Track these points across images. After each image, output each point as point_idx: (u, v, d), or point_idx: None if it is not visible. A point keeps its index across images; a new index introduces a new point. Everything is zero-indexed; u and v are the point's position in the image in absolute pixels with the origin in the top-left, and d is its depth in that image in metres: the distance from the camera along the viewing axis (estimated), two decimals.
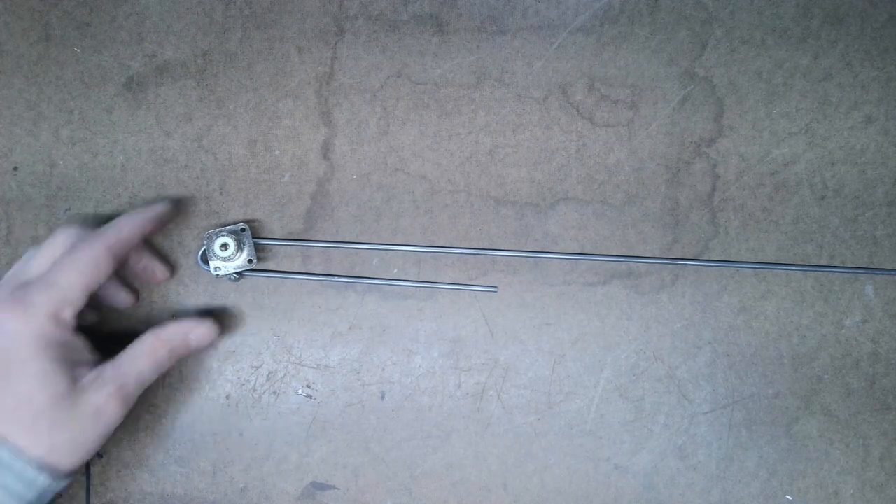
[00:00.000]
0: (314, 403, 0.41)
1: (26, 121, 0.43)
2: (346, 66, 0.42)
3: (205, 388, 0.42)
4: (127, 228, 0.36)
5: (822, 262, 0.40)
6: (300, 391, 0.41)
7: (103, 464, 0.42)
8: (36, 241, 0.43)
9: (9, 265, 0.43)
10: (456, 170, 0.41)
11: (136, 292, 0.41)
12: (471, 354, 0.41)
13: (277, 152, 0.42)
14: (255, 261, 0.40)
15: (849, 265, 0.40)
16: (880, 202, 0.40)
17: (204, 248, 0.39)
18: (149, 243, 0.41)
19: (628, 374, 0.40)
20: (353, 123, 0.42)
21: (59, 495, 0.42)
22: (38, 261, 0.35)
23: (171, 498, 0.41)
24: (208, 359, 0.42)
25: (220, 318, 0.41)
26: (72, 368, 0.33)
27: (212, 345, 0.39)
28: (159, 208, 0.39)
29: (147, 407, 0.42)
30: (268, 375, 0.42)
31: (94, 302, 0.37)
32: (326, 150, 0.42)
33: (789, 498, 0.39)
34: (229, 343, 0.42)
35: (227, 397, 0.42)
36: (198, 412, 0.42)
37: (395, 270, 0.41)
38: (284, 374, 0.42)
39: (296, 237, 0.42)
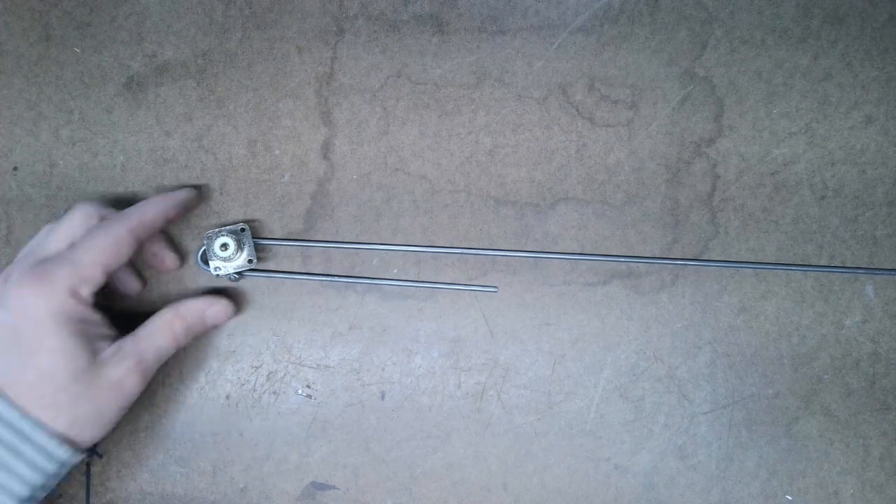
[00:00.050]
0: (314, 403, 0.41)
1: (26, 121, 0.43)
2: (346, 66, 0.42)
3: (205, 388, 0.42)
4: (151, 212, 0.37)
5: (822, 262, 0.40)
6: (300, 391, 0.41)
7: (103, 464, 0.42)
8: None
9: (9, 265, 0.43)
10: (456, 170, 0.41)
11: (143, 279, 0.41)
12: (471, 354, 0.41)
13: (277, 152, 0.42)
14: (255, 261, 0.40)
15: (849, 265, 0.40)
16: (880, 202, 0.40)
17: (204, 248, 0.39)
18: (163, 231, 0.41)
19: (628, 374, 0.40)
20: (353, 123, 0.42)
21: (58, 495, 0.42)
22: (56, 237, 0.35)
23: (171, 498, 0.41)
24: (208, 359, 0.42)
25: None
26: (92, 343, 0.34)
27: (227, 321, 0.40)
28: (183, 195, 0.39)
29: (147, 407, 0.42)
30: (268, 375, 0.42)
31: (106, 286, 0.37)
32: (326, 150, 0.42)
33: (789, 498, 0.39)
34: (229, 343, 0.42)
35: (227, 397, 0.42)
36: (198, 412, 0.42)
37: (395, 270, 0.41)
38: (284, 374, 0.42)
39: (296, 237, 0.42)
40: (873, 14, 0.40)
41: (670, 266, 0.40)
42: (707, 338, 0.40)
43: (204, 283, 0.42)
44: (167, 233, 0.42)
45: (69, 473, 0.41)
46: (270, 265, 0.42)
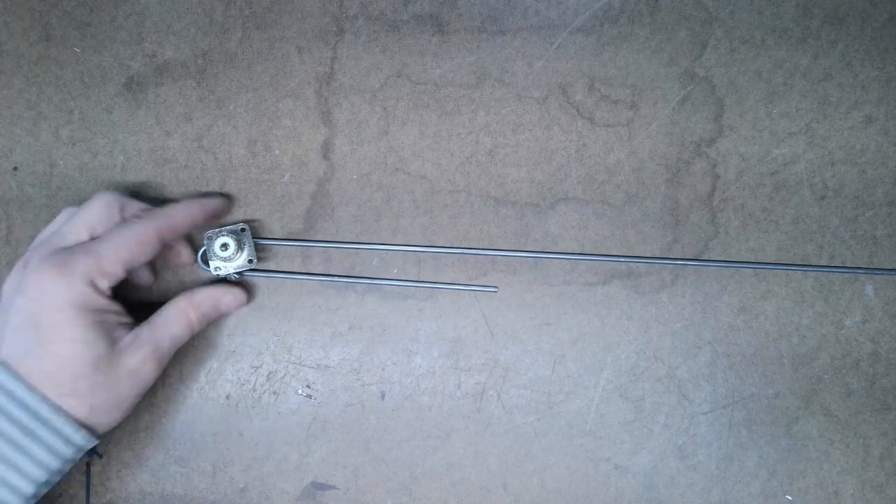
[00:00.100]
0: (314, 403, 0.41)
1: (26, 121, 0.43)
2: (346, 66, 0.42)
3: (205, 388, 0.42)
4: (180, 217, 0.37)
5: (822, 262, 0.40)
6: (300, 391, 0.41)
7: (103, 464, 0.42)
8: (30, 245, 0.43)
9: (9, 265, 0.43)
10: (456, 170, 0.41)
11: (155, 272, 0.41)
12: (471, 354, 0.41)
13: (277, 152, 0.42)
14: (255, 261, 0.40)
15: (849, 265, 0.40)
16: (880, 202, 0.40)
17: (204, 248, 0.39)
18: None
19: (628, 374, 0.40)
20: (353, 123, 0.42)
21: (58, 495, 0.42)
22: (75, 226, 0.35)
23: (171, 498, 0.41)
24: (208, 359, 0.42)
25: (220, 319, 0.41)
26: (110, 332, 0.34)
27: (239, 308, 0.41)
28: (214, 204, 0.39)
29: (147, 407, 0.42)
30: (268, 375, 0.42)
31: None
32: (326, 150, 0.42)
33: (789, 498, 0.39)
34: (229, 343, 0.42)
35: (227, 397, 0.42)
36: (198, 412, 0.42)
37: (395, 270, 0.41)
38: (284, 374, 0.42)
39: (296, 237, 0.42)
40: (873, 14, 0.40)
41: (670, 266, 0.40)
42: (707, 338, 0.40)
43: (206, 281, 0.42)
44: None
45: (69, 473, 0.41)
46: (270, 265, 0.42)
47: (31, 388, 0.32)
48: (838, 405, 0.39)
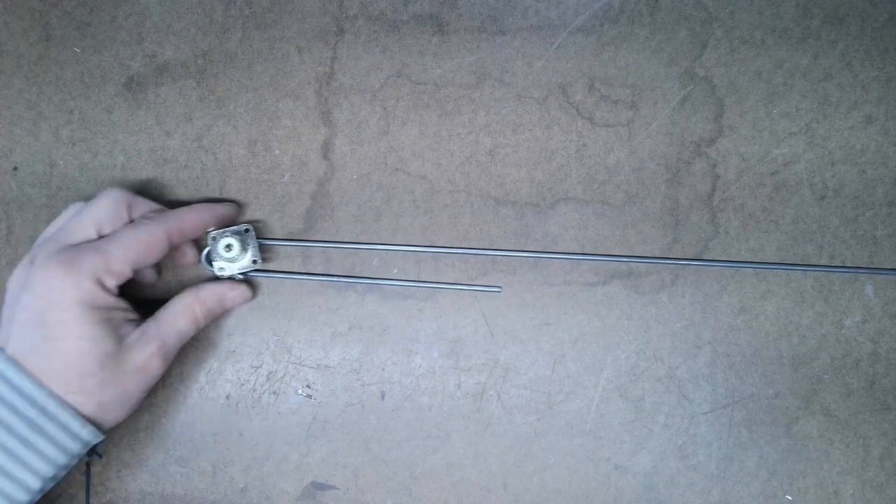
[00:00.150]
0: (314, 403, 0.41)
1: (26, 121, 0.43)
2: (346, 66, 0.42)
3: (205, 388, 0.42)
4: (191, 221, 0.37)
5: (822, 262, 0.40)
6: (300, 391, 0.41)
7: (103, 464, 0.42)
8: (35, 241, 0.43)
9: (9, 265, 0.43)
10: (456, 170, 0.41)
11: (159, 271, 0.41)
12: (471, 354, 0.41)
13: (277, 152, 0.42)
14: (259, 261, 0.40)
15: (849, 265, 0.40)
16: (880, 202, 0.40)
17: (208, 248, 0.39)
18: None
19: (628, 374, 0.40)
20: (353, 123, 0.42)
21: (58, 495, 0.42)
22: (83, 222, 0.35)
23: (171, 498, 0.41)
24: (208, 359, 0.42)
25: (220, 319, 0.41)
26: (117, 329, 0.34)
27: (245, 303, 0.41)
28: (224, 210, 0.39)
29: (147, 407, 0.42)
30: (268, 375, 0.42)
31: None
32: (326, 150, 0.42)
33: (789, 498, 0.39)
34: (229, 343, 0.42)
35: (227, 397, 0.42)
36: (198, 412, 0.42)
37: (395, 271, 0.41)
38: (284, 374, 0.42)
39: (296, 237, 0.42)
40: (873, 14, 0.40)
41: (670, 266, 0.40)
42: (707, 338, 0.40)
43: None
44: None
45: (69, 473, 0.41)
46: (271, 265, 0.42)
47: (38, 384, 0.32)
48: (838, 405, 0.39)
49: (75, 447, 0.33)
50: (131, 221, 0.36)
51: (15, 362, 0.32)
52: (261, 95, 0.42)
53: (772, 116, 0.40)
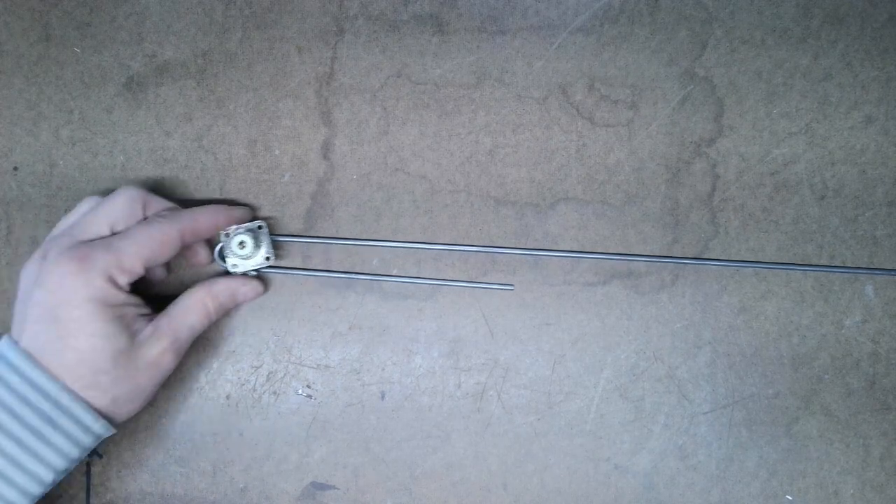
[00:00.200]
0: (314, 403, 0.41)
1: (26, 121, 0.43)
2: (346, 66, 0.42)
3: (205, 388, 0.42)
4: (204, 222, 0.37)
5: (822, 262, 0.40)
6: (300, 391, 0.41)
7: (103, 464, 0.42)
8: (35, 241, 0.43)
9: (9, 265, 0.43)
10: (456, 170, 0.41)
11: (169, 268, 0.42)
12: (471, 354, 0.41)
13: (277, 152, 0.42)
14: (272, 258, 0.40)
15: (849, 265, 0.40)
16: (880, 202, 0.40)
17: (221, 245, 0.39)
18: None
19: (628, 374, 0.40)
20: (353, 123, 0.42)
21: (58, 495, 0.42)
22: (97, 218, 0.35)
23: (171, 498, 0.41)
24: (208, 359, 0.42)
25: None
26: (129, 326, 0.34)
27: (256, 298, 0.41)
28: (238, 214, 0.39)
29: (147, 407, 0.41)
30: (268, 375, 0.42)
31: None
32: (326, 150, 0.42)
33: (789, 498, 0.39)
34: (229, 343, 0.42)
35: (227, 397, 0.42)
36: (198, 412, 0.42)
37: (395, 270, 0.41)
38: (284, 374, 0.42)
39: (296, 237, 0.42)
40: (873, 14, 0.40)
41: (670, 266, 0.40)
42: (707, 338, 0.40)
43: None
44: None
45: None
46: (275, 263, 0.42)
47: (52, 378, 0.32)
48: (838, 405, 0.39)
49: (87, 440, 0.34)
50: (145, 219, 0.36)
51: (29, 356, 0.33)
52: (261, 95, 0.42)
53: (772, 116, 0.40)
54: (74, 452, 0.33)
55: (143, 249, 0.34)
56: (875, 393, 0.39)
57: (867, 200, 0.40)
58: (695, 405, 0.40)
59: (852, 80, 0.40)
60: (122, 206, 0.36)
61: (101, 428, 0.34)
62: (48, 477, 0.33)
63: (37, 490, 0.33)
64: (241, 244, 0.39)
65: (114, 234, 0.35)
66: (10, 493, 0.32)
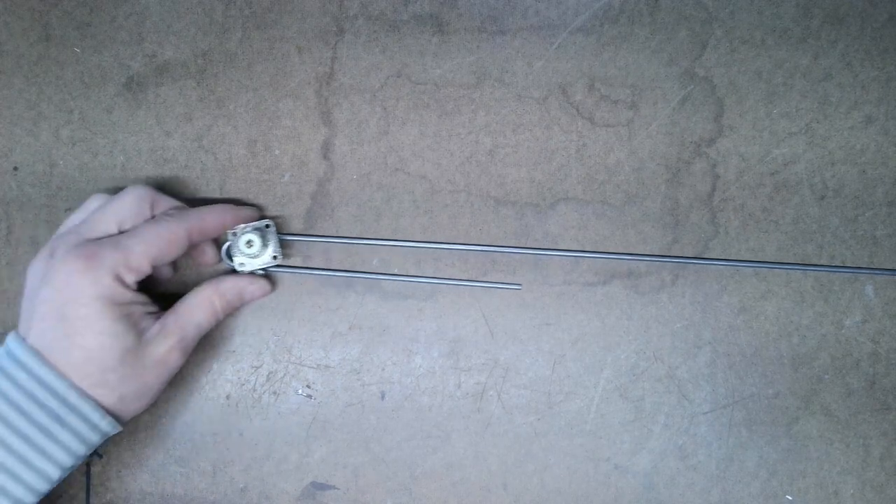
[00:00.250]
0: (314, 403, 0.41)
1: (26, 121, 0.43)
2: (346, 66, 0.42)
3: (205, 388, 0.42)
4: (212, 221, 0.37)
5: (822, 262, 0.40)
6: (300, 391, 0.41)
7: (103, 464, 0.42)
8: (35, 241, 0.43)
9: (9, 265, 0.43)
10: (456, 170, 0.41)
11: (175, 267, 0.42)
12: (471, 354, 0.41)
13: (277, 152, 0.42)
14: (280, 257, 0.40)
15: (849, 265, 0.40)
16: (880, 202, 0.40)
17: (229, 243, 0.39)
18: None
19: (628, 374, 0.40)
20: (353, 123, 0.42)
21: (58, 495, 0.42)
22: (105, 216, 0.35)
23: (171, 498, 0.41)
24: (208, 359, 0.42)
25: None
26: (137, 324, 0.34)
27: (264, 297, 0.41)
28: (245, 214, 0.39)
29: (148, 407, 0.41)
30: (268, 375, 0.42)
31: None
32: (326, 150, 0.42)
33: (789, 498, 0.39)
34: (229, 343, 0.42)
35: (227, 397, 0.42)
36: (198, 412, 0.42)
37: (396, 270, 0.41)
38: (284, 374, 0.42)
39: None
40: (873, 14, 0.40)
41: (670, 266, 0.40)
42: (707, 338, 0.40)
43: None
44: None
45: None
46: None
47: (60, 375, 0.33)
48: (838, 405, 0.39)
49: (94, 438, 0.34)
50: (152, 218, 0.36)
51: (37, 353, 0.33)
52: (261, 95, 0.42)
53: (772, 116, 0.40)
54: (81, 450, 0.33)
55: (151, 248, 0.34)
56: (875, 393, 0.39)
57: (867, 200, 0.40)
58: (695, 405, 0.40)
59: (852, 80, 0.40)
60: (130, 205, 0.36)
61: (108, 425, 0.34)
62: (55, 474, 0.33)
63: (43, 487, 0.33)
64: (249, 243, 0.39)
65: (121, 232, 0.35)
66: (18, 490, 0.32)
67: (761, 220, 0.40)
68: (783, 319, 0.40)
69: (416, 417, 0.41)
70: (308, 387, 0.41)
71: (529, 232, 0.41)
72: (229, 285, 0.39)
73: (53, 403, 0.32)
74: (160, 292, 0.39)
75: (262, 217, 0.41)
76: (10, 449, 0.32)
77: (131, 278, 0.34)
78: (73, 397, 0.33)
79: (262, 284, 0.40)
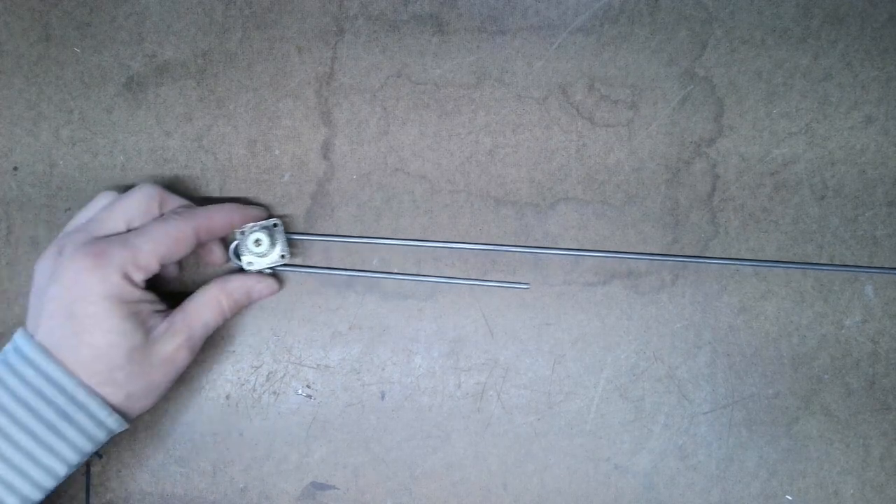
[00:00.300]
0: (314, 403, 0.41)
1: (26, 121, 0.43)
2: (346, 66, 0.42)
3: (205, 388, 0.42)
4: (219, 220, 0.37)
5: (822, 262, 0.40)
6: (300, 391, 0.41)
7: (103, 464, 0.42)
8: (35, 241, 0.43)
9: (9, 265, 0.43)
10: (456, 170, 0.41)
11: (181, 266, 0.42)
12: (471, 354, 0.41)
13: (277, 152, 0.42)
14: (288, 256, 0.40)
15: (849, 265, 0.40)
16: (880, 202, 0.40)
17: (237, 242, 0.39)
18: None
19: (628, 374, 0.40)
20: (353, 123, 0.42)
21: (58, 495, 0.42)
22: (114, 215, 0.35)
23: (171, 498, 0.41)
24: (208, 359, 0.42)
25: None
26: (145, 322, 0.34)
27: (272, 296, 0.41)
28: (253, 213, 0.39)
29: None
30: (268, 375, 0.42)
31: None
32: (326, 150, 0.42)
33: (789, 498, 0.39)
34: (229, 343, 0.42)
35: (227, 397, 0.42)
36: (198, 412, 0.42)
37: (396, 269, 0.41)
38: (284, 374, 0.42)
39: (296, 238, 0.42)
40: (873, 14, 0.40)
41: (670, 266, 0.40)
42: (707, 338, 0.40)
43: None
44: None
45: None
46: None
47: (68, 373, 0.33)
48: (838, 405, 0.39)
49: (101, 435, 0.34)
50: (161, 216, 0.36)
51: (45, 350, 0.33)
52: (261, 95, 0.42)
53: (772, 116, 0.40)
54: (88, 447, 0.34)
55: (159, 246, 0.34)
56: (875, 393, 0.39)
57: (867, 200, 0.40)
58: (695, 405, 0.40)
59: (852, 80, 0.40)
60: (138, 203, 0.36)
61: (115, 423, 0.34)
62: (62, 471, 0.33)
63: (50, 484, 0.33)
64: (257, 242, 0.39)
65: (129, 230, 0.35)
66: (25, 487, 0.32)
67: (761, 220, 0.40)
68: (783, 319, 0.40)
69: (416, 417, 0.41)
70: (308, 387, 0.41)
71: (529, 232, 0.41)
72: (237, 284, 0.39)
73: (61, 400, 0.32)
74: (167, 291, 0.39)
75: (270, 216, 0.41)
76: (17, 445, 0.32)
77: (139, 276, 0.34)
78: (80, 395, 0.33)
79: (270, 283, 0.40)
